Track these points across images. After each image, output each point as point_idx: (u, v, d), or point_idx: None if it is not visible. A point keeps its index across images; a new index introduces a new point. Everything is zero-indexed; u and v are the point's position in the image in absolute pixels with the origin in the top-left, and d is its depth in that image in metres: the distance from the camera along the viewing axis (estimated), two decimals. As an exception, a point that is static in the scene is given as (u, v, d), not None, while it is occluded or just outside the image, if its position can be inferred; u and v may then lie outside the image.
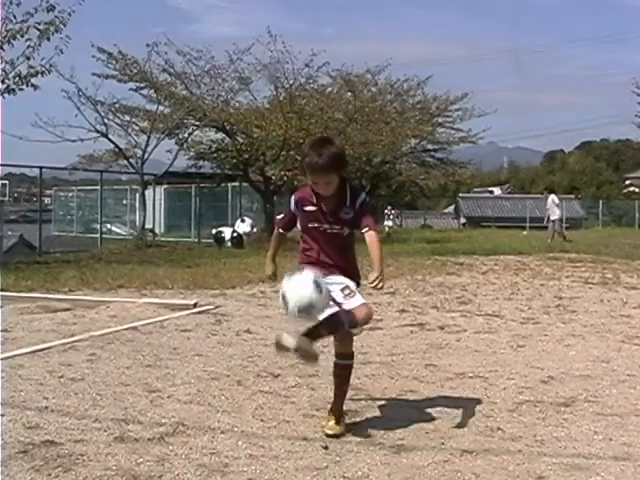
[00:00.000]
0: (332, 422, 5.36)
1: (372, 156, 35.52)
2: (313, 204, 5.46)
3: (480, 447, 5.07)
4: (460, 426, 5.54)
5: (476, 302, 12.09)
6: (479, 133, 42.71)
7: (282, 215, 6.02)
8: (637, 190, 62.73)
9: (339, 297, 5.30)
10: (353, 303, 5.32)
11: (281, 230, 5.89)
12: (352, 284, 5.45)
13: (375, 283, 5.33)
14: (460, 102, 41.20)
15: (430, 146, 43.17)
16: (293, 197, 5.62)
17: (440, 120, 41.72)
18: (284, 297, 5.12)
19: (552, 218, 30.94)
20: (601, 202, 58.90)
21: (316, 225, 5.50)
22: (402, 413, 5.88)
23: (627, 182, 71.51)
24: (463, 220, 55.45)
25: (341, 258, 5.56)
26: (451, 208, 64.01)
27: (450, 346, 8.62)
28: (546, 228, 31.71)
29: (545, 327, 9.90)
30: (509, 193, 70.75)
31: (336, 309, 5.24)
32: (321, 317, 5.18)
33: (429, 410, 5.96)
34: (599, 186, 74.48)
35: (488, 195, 65.63)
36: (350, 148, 31.13)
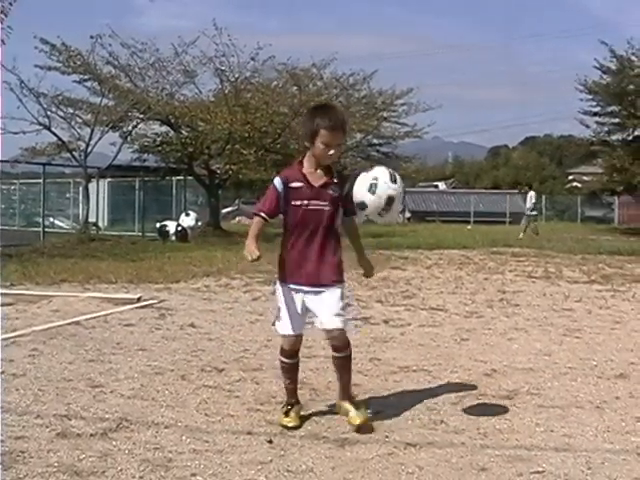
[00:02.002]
0: (352, 412, 5.35)
1: (317, 150, 35.53)
2: (300, 180, 5.27)
3: (424, 440, 5.10)
4: (404, 419, 5.57)
5: (420, 296, 12.17)
6: (424, 128, 43.04)
7: (263, 199, 5.45)
8: (579, 185, 63.52)
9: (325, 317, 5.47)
10: (331, 324, 5.47)
11: (263, 214, 5.31)
12: (340, 303, 5.51)
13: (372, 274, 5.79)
14: (406, 97, 41.44)
15: (375, 140, 43.41)
16: (278, 177, 5.32)
17: (385, 115, 41.91)
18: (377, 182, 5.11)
19: (530, 213, 31.54)
20: (544, 197, 59.58)
21: (299, 203, 5.26)
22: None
23: (570, 177, 72.37)
24: (408, 214, 55.71)
25: (324, 246, 5.41)
26: (396, 202, 64.24)
27: (394, 340, 8.66)
28: (488, 223, 32.07)
29: (488, 321, 10.00)
30: (454, 188, 71.30)
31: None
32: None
33: (373, 403, 5.97)
34: (542, 181, 75.23)
35: (433, 190, 66.06)
36: (295, 142, 31.15)
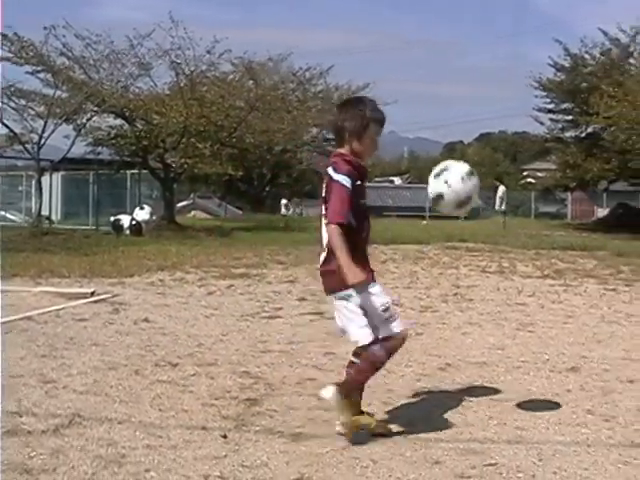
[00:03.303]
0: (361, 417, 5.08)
1: (273, 144, 35.57)
2: (359, 177, 4.92)
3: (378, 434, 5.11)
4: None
5: (375, 291, 12.17)
6: (380, 123, 43.08)
7: (336, 202, 4.80)
8: (533, 181, 64.04)
9: (378, 319, 4.98)
10: (390, 329, 5.00)
11: (346, 222, 4.81)
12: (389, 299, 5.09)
13: None
14: (362, 92, 41.51)
15: (331, 135, 43.43)
16: (344, 173, 4.81)
17: (342, 109, 41.95)
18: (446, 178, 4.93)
19: (501, 207, 31.88)
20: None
21: (362, 201, 4.96)
22: (301, 401, 5.88)
23: (524, 173, 72.96)
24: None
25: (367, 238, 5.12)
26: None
27: (349, 334, 8.66)
28: (444, 218, 32.16)
29: (443, 315, 10.05)
30: (409, 183, 71.49)
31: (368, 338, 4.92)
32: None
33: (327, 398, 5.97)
34: (497, 177, 75.73)
35: (388, 185, 66.18)
36: (251, 136, 31.09)
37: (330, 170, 4.89)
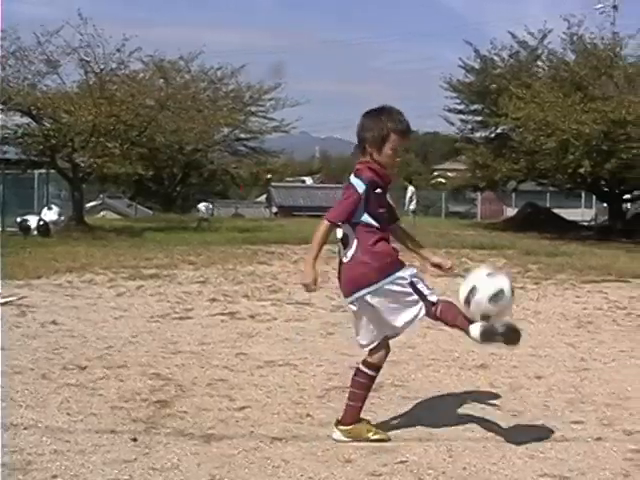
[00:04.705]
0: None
1: (184, 144, 35.26)
2: (381, 186, 4.90)
3: (290, 434, 5.12)
4: (270, 414, 5.57)
5: (286, 291, 12.19)
6: (292, 123, 43.30)
7: (339, 203, 4.93)
8: (444, 181, 64.87)
9: (424, 289, 4.92)
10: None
11: (340, 222, 4.94)
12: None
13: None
14: (274, 92, 41.59)
15: (243, 135, 43.36)
16: (362, 178, 4.85)
17: (253, 109, 42.00)
18: (473, 288, 4.77)
19: (409, 207, 32.07)
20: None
21: (381, 211, 4.92)
22: (212, 402, 5.85)
23: (435, 173, 73.90)
24: (275, 209, 55.78)
25: None
26: (263, 197, 64.26)
27: (260, 334, 8.66)
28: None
29: (354, 314, 10.08)
30: (320, 183, 71.74)
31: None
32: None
33: (239, 398, 5.96)
34: (408, 177, 76.53)
35: (300, 184, 66.29)
36: (162, 136, 30.78)
37: (351, 176, 4.95)
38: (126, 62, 29.32)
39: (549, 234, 26.29)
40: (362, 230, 4.89)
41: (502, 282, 4.82)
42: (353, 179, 4.88)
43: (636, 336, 8.98)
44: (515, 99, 29.07)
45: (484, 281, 4.82)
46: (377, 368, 5.16)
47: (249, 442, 4.92)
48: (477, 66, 36.56)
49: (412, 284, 4.85)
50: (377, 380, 6.56)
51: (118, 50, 28.18)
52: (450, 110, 39.23)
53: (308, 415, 5.56)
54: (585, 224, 39.25)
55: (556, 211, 39.71)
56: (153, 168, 36.30)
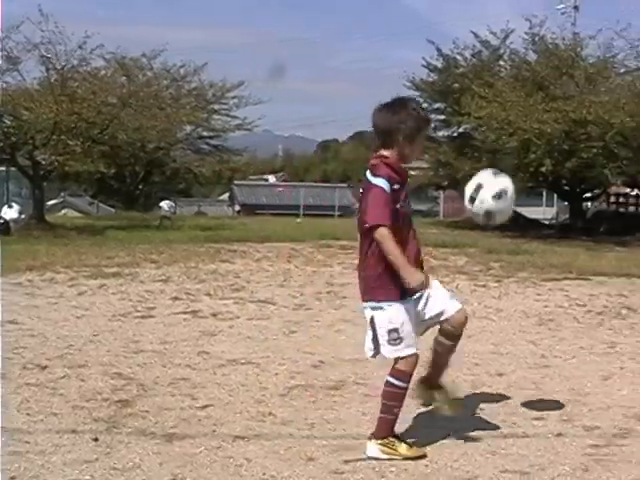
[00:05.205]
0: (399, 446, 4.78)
1: (146, 142, 35.06)
2: (399, 181, 4.75)
3: (252, 432, 5.11)
4: (232, 412, 5.56)
5: (249, 289, 12.17)
6: (255, 121, 43.24)
7: (376, 206, 4.67)
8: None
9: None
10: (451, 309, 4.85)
11: (389, 224, 4.64)
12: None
13: None
14: (236, 90, 41.51)
15: (205, 133, 43.23)
16: (382, 176, 4.68)
17: (216, 107, 41.90)
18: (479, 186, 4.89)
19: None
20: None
21: (398, 206, 4.73)
22: (174, 401, 5.83)
23: (396, 172, 74.21)
24: (238, 207, 55.66)
25: (412, 246, 4.96)
26: (226, 195, 64.13)
27: (223, 333, 8.63)
28: (318, 216, 32.48)
29: (316, 313, 10.11)
30: (283, 181, 71.71)
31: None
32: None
33: (201, 397, 5.94)
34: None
35: (263, 183, 66.22)
36: (124, 133, 30.58)
37: (368, 174, 4.78)
38: (88, 59, 29.07)
39: (511, 232, 26.41)
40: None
41: (506, 182, 4.95)
42: (373, 178, 4.70)
43: (596, 333, 9.07)
44: (477, 98, 29.22)
45: (490, 179, 4.94)
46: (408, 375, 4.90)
47: (211, 441, 4.90)
48: (440, 65, 36.72)
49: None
50: (339, 379, 6.62)
51: (80, 47, 27.94)
52: (413, 109, 39.36)
53: (270, 413, 5.55)
54: (546, 222, 39.51)
55: (518, 210, 39.94)
56: (115, 166, 36.03)
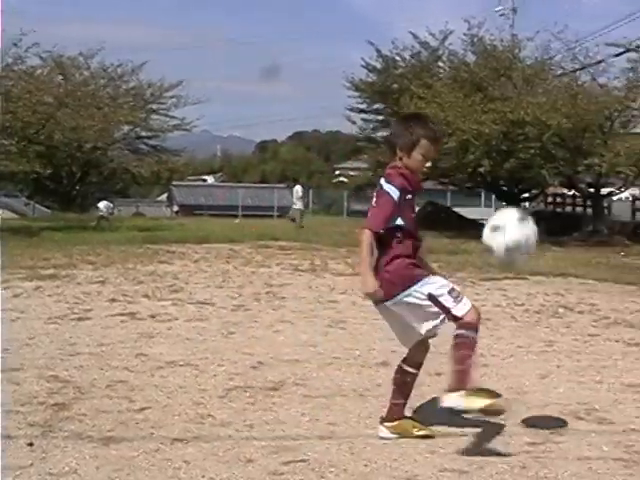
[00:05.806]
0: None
1: (83, 142, 34.73)
2: (411, 191, 4.98)
3: (190, 435, 5.07)
4: (170, 415, 5.52)
5: (187, 290, 12.09)
6: (193, 121, 43.11)
7: (377, 211, 4.95)
8: (346, 180, 65.32)
9: (449, 301, 4.91)
10: (462, 308, 4.92)
11: (382, 231, 4.89)
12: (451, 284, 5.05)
13: None
14: (175, 89, 41.33)
15: (144, 133, 42.96)
16: (395, 185, 4.91)
17: (154, 107, 41.68)
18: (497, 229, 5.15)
19: (295, 207, 31.99)
20: (311, 191, 60.75)
21: (413, 215, 5.04)
22: (112, 404, 5.76)
23: (337, 172, 74.34)
24: (176, 208, 55.35)
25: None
26: (164, 196, 63.74)
27: (161, 335, 8.56)
28: (257, 216, 32.39)
29: (255, 314, 10.08)
30: (222, 181, 71.53)
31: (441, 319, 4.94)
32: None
33: (139, 400, 5.88)
34: (310, 175, 76.77)
35: (201, 183, 65.96)
36: (60, 133, 30.24)
37: (382, 180, 4.99)
38: (23, 57, 28.71)
39: (449, 232, 26.65)
40: (391, 236, 4.94)
41: (528, 231, 5.16)
42: (386, 185, 4.93)
43: (533, 332, 9.19)
44: (416, 99, 29.47)
45: (513, 225, 5.20)
46: (418, 365, 5.30)
47: (149, 444, 4.86)
48: (379, 66, 36.92)
49: (431, 297, 4.89)
50: (278, 379, 6.61)
51: (15, 45, 27.57)
52: (352, 109, 39.61)
53: (209, 415, 5.51)
54: (485, 223, 39.95)
55: (456, 210, 40.33)
56: (51, 166, 35.61)
